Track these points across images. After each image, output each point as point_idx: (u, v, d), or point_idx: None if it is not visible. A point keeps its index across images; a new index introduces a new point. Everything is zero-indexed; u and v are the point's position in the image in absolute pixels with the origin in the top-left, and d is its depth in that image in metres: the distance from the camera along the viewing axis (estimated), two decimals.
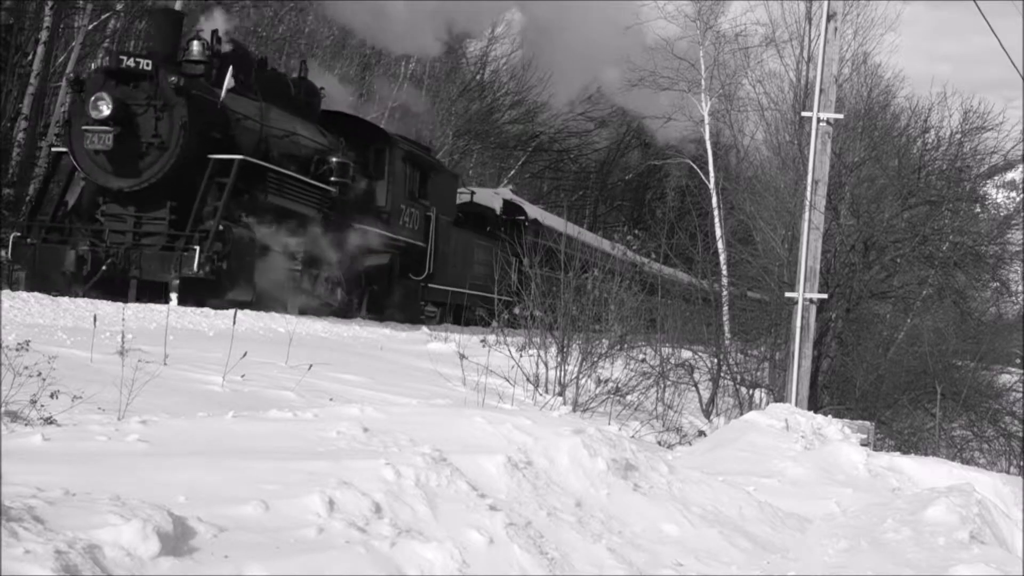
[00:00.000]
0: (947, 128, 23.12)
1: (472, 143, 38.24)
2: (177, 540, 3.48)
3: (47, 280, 14.03)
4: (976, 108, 23.16)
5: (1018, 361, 23.14)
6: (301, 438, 5.10)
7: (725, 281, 20.32)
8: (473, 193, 26.01)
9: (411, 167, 20.13)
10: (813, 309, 13.25)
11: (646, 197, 47.57)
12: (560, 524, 4.87)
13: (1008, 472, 13.94)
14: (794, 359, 13.07)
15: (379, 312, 18.96)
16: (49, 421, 5.20)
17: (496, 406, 8.88)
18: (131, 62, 14.90)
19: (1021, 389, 19.54)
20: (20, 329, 8.29)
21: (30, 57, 21.28)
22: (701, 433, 11.91)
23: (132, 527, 3.36)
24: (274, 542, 3.72)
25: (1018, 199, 24.59)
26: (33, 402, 5.27)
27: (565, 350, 11.56)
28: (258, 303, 14.75)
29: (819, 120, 13.14)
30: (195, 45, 16.04)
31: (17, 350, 5.59)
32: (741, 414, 12.31)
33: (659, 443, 10.28)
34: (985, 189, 24.53)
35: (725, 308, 18.93)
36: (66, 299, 11.93)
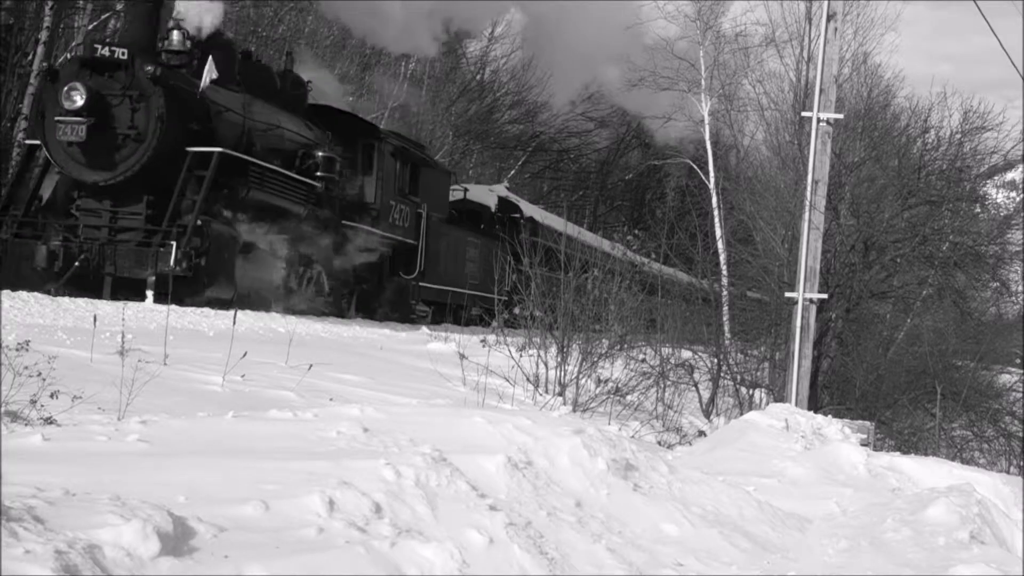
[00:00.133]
0: (947, 128, 23.18)
1: (472, 143, 38.25)
2: (177, 540, 3.48)
3: (18, 277, 13.55)
4: (976, 108, 23.24)
5: (1018, 361, 23.15)
6: (301, 438, 5.10)
7: (725, 281, 20.33)
8: (467, 190, 25.69)
9: (401, 163, 19.73)
10: (813, 309, 13.26)
11: (646, 197, 47.56)
12: (560, 524, 4.87)
13: (1008, 472, 13.95)
14: (794, 359, 13.08)
15: (369, 312, 18.62)
16: (49, 421, 5.20)
17: (496, 406, 8.88)
18: (106, 51, 14.37)
19: (1021, 389, 19.56)
20: (20, 329, 8.28)
21: (30, 57, 21.27)
22: (701, 433, 11.91)
23: (132, 527, 3.36)
24: (274, 542, 3.72)
25: (1018, 199, 24.65)
26: (33, 402, 5.27)
27: (565, 350, 11.56)
28: (240, 302, 14.22)
29: (819, 120, 13.15)
30: (175, 35, 15.52)
31: (17, 350, 5.59)
32: (741, 414, 12.31)
33: (659, 443, 10.28)
34: (985, 189, 24.59)
35: (725, 308, 18.94)
36: (66, 299, 11.83)
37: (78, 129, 14.04)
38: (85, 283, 13.69)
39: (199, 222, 14.04)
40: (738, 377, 15.08)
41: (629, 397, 12.01)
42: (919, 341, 17.99)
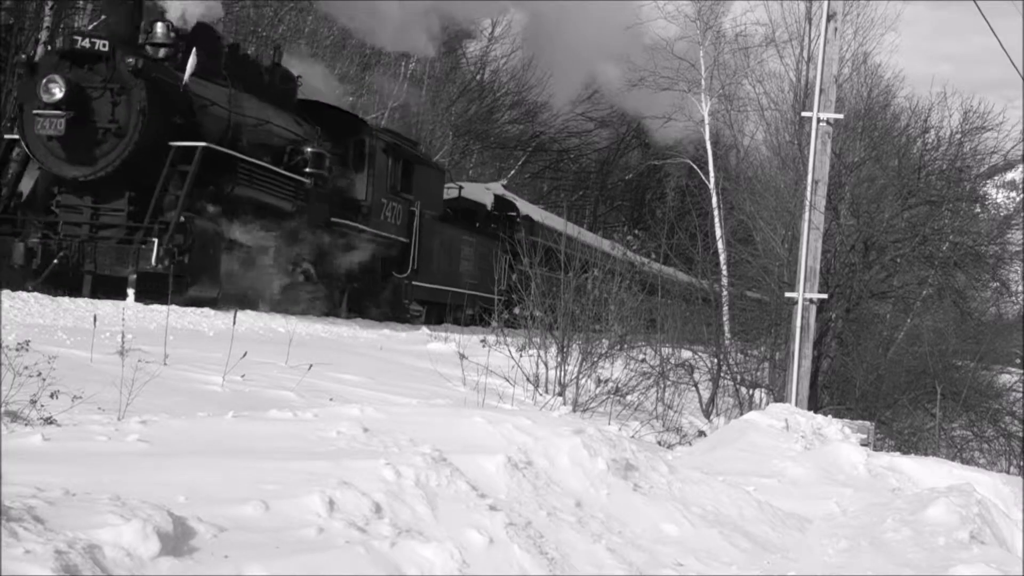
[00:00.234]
0: (947, 128, 23.18)
1: (472, 143, 38.24)
2: (177, 540, 3.48)
3: None
4: (976, 108, 23.24)
5: (1018, 361, 23.15)
6: (301, 438, 5.10)
7: (725, 281, 20.33)
8: (461, 188, 25.22)
9: (393, 159, 19.35)
10: (813, 309, 13.26)
11: (646, 197, 47.55)
12: (560, 524, 4.87)
13: (1008, 472, 13.96)
14: (794, 359, 13.08)
15: (360, 311, 18.27)
16: (49, 421, 5.20)
17: (496, 406, 8.89)
18: (86, 43, 13.95)
19: (1021, 389, 19.56)
20: (20, 329, 8.28)
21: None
22: (701, 433, 11.91)
23: (132, 527, 3.36)
24: (274, 542, 3.72)
25: (1018, 199, 24.66)
26: (33, 402, 5.27)
27: (565, 350, 11.56)
28: (225, 301, 13.96)
29: (819, 120, 13.15)
30: (159, 27, 15.11)
31: (17, 350, 5.59)
32: (741, 414, 12.32)
33: (659, 443, 10.29)
34: (985, 189, 24.60)
35: (725, 308, 18.94)
36: (66, 299, 11.81)
37: (57, 123, 13.68)
38: (64, 281, 13.38)
39: (182, 219, 13.68)
40: (738, 377, 15.09)
41: (629, 397, 12.01)
42: (919, 341, 17.99)
